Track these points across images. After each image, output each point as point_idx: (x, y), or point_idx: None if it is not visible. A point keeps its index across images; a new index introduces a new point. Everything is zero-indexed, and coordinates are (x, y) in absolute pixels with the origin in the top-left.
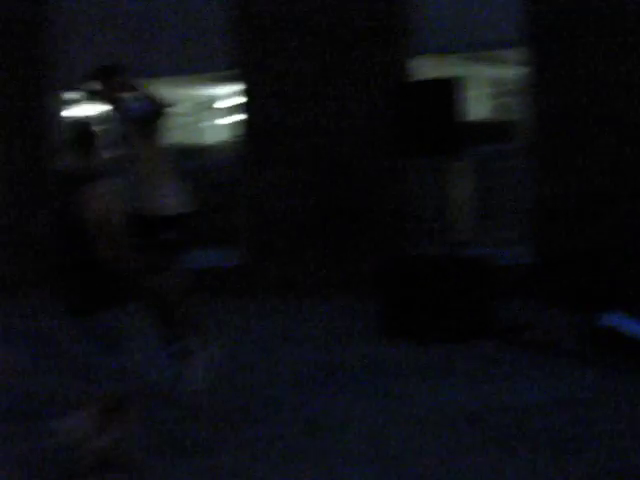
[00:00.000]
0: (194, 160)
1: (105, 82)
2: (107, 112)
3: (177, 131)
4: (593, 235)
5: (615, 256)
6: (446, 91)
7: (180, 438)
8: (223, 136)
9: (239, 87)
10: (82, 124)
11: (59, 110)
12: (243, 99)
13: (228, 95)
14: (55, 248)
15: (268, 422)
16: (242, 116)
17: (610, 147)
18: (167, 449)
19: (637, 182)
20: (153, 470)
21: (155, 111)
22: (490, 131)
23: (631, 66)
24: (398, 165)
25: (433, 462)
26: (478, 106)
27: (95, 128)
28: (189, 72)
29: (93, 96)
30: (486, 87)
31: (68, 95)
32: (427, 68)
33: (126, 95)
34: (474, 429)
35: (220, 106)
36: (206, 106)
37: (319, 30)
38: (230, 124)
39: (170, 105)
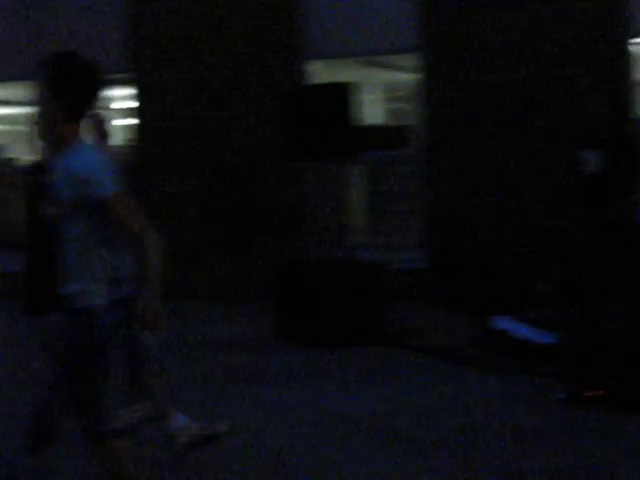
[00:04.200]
0: None
1: None
2: None
3: None
4: (485, 240)
5: (506, 260)
6: (341, 95)
7: None
8: (120, 138)
9: (134, 90)
10: None
11: None
12: (138, 102)
13: (124, 97)
14: None
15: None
16: (137, 119)
17: (501, 153)
18: None
19: (529, 188)
20: None
21: None
22: (385, 136)
23: (518, 73)
24: (294, 169)
25: (325, 467)
26: (373, 111)
27: None
28: None
29: None
30: (381, 92)
31: None
32: (322, 72)
33: None
34: (365, 434)
35: (117, 107)
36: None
37: (212, 36)
38: (126, 126)
39: None
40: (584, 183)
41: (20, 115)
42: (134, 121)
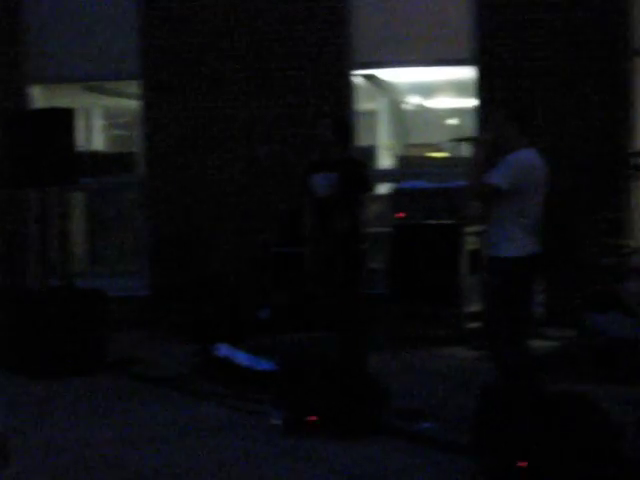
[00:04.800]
0: None
1: None
2: None
3: None
4: (208, 266)
5: (224, 288)
6: (62, 121)
7: None
8: None
9: None
10: None
11: None
12: None
13: None
14: None
15: None
16: None
17: (220, 180)
18: None
19: (255, 216)
20: None
21: None
22: (106, 162)
23: (236, 101)
24: (15, 195)
25: None
26: (94, 137)
27: None
28: None
29: None
30: (102, 118)
31: None
32: (44, 97)
33: None
34: (77, 465)
35: None
36: None
37: None
38: None
39: None
40: (315, 207)
41: None
42: None
